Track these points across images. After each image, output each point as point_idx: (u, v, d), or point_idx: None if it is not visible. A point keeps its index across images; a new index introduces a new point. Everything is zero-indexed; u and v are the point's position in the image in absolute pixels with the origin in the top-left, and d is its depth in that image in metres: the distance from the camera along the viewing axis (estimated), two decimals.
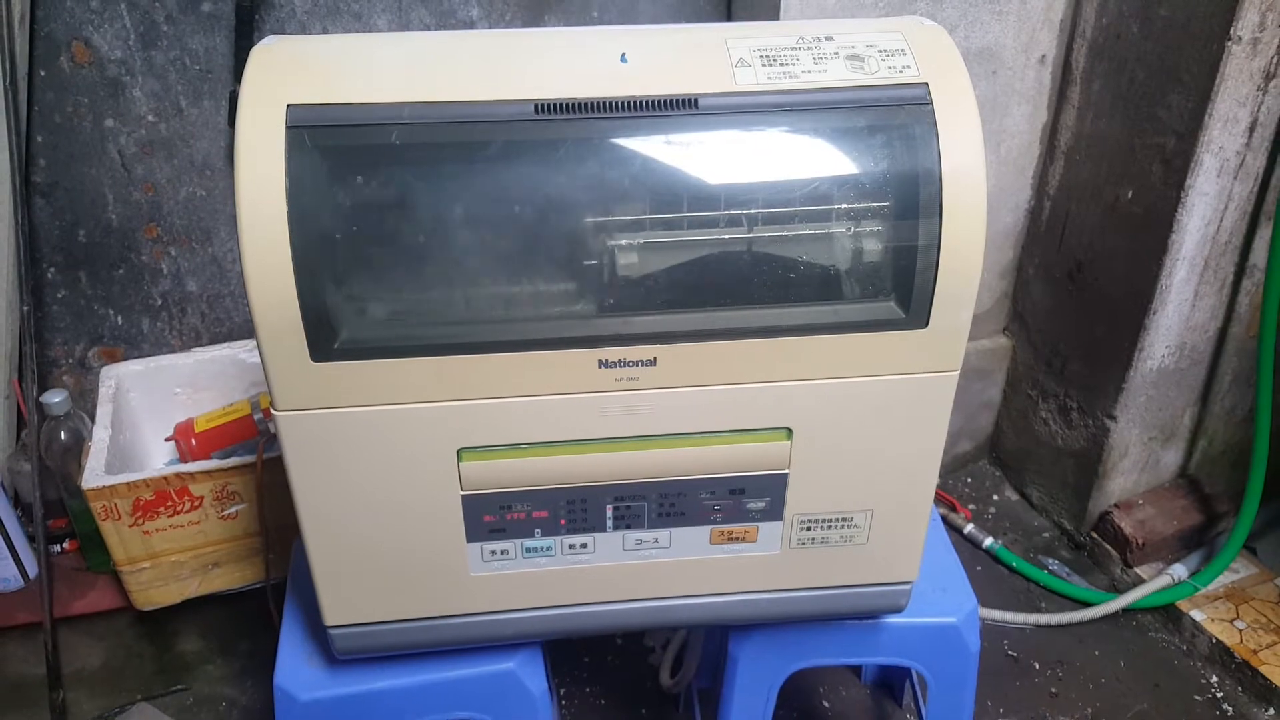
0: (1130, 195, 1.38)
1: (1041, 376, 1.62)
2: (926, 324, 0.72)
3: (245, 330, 1.36)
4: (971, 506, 1.70)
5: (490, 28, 1.26)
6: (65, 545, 1.31)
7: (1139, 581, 1.49)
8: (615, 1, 1.30)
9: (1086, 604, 1.48)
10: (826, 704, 1.33)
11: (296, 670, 0.89)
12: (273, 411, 0.71)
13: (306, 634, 0.92)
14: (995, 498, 1.73)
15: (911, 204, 0.70)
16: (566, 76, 0.69)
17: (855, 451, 0.79)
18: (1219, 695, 1.36)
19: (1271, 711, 1.32)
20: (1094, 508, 1.57)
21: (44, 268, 1.24)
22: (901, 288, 0.72)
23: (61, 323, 1.28)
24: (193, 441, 1.24)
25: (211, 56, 1.18)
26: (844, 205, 0.71)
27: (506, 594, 0.84)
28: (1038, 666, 1.39)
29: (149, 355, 1.32)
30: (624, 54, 0.71)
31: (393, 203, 0.69)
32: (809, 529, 0.83)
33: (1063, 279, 1.54)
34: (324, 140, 0.66)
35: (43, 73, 1.13)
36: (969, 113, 0.70)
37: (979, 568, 1.57)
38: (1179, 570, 1.48)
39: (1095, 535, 1.57)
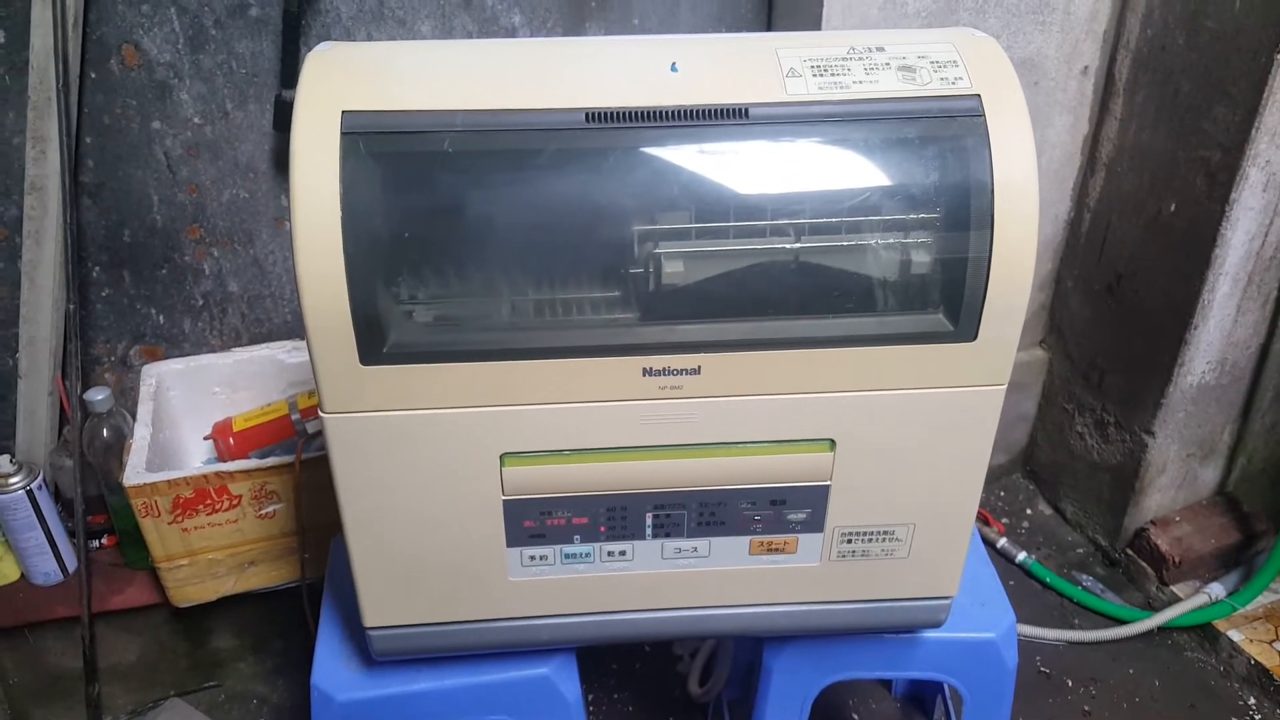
0: (1173, 208, 1.36)
1: (1078, 390, 1.61)
2: (975, 337, 0.72)
3: (284, 331, 1.37)
4: (1005, 520, 1.68)
5: (532, 35, 1.27)
6: (104, 541, 1.33)
7: (1175, 600, 1.47)
8: (655, 10, 1.30)
9: (1121, 621, 1.46)
10: (856, 716, 1.32)
11: (334, 671, 0.89)
12: (320, 413, 0.72)
13: (343, 635, 0.93)
14: (1029, 512, 1.71)
15: (963, 216, 0.69)
16: (617, 85, 0.70)
17: (899, 464, 0.78)
18: (1257, 718, 1.33)
19: None
20: (1129, 524, 1.55)
21: (89, 266, 1.26)
22: (950, 300, 0.71)
23: (105, 321, 1.30)
24: (231, 441, 1.25)
25: (258, 61, 1.19)
26: (893, 216, 0.71)
27: (544, 599, 0.84)
28: (1070, 684, 1.38)
29: (189, 355, 1.33)
30: (674, 63, 0.71)
31: (444, 209, 0.70)
32: (850, 541, 0.82)
33: (1102, 292, 1.52)
34: (378, 147, 0.67)
35: (93, 75, 1.15)
36: (1022, 124, 0.69)
37: (1012, 583, 1.55)
38: (1216, 589, 1.45)
39: (1130, 552, 1.55)
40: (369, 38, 1.21)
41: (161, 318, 1.32)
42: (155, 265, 1.28)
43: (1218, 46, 1.25)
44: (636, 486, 0.79)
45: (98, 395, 1.21)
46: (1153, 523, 1.53)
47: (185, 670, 1.36)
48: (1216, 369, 1.43)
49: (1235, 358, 1.43)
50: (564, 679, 0.91)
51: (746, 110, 0.69)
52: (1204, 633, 1.44)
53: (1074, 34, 1.37)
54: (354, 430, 0.73)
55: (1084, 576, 1.57)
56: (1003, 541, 1.58)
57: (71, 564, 1.29)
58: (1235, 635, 1.40)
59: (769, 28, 1.35)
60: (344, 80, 0.68)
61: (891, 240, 0.72)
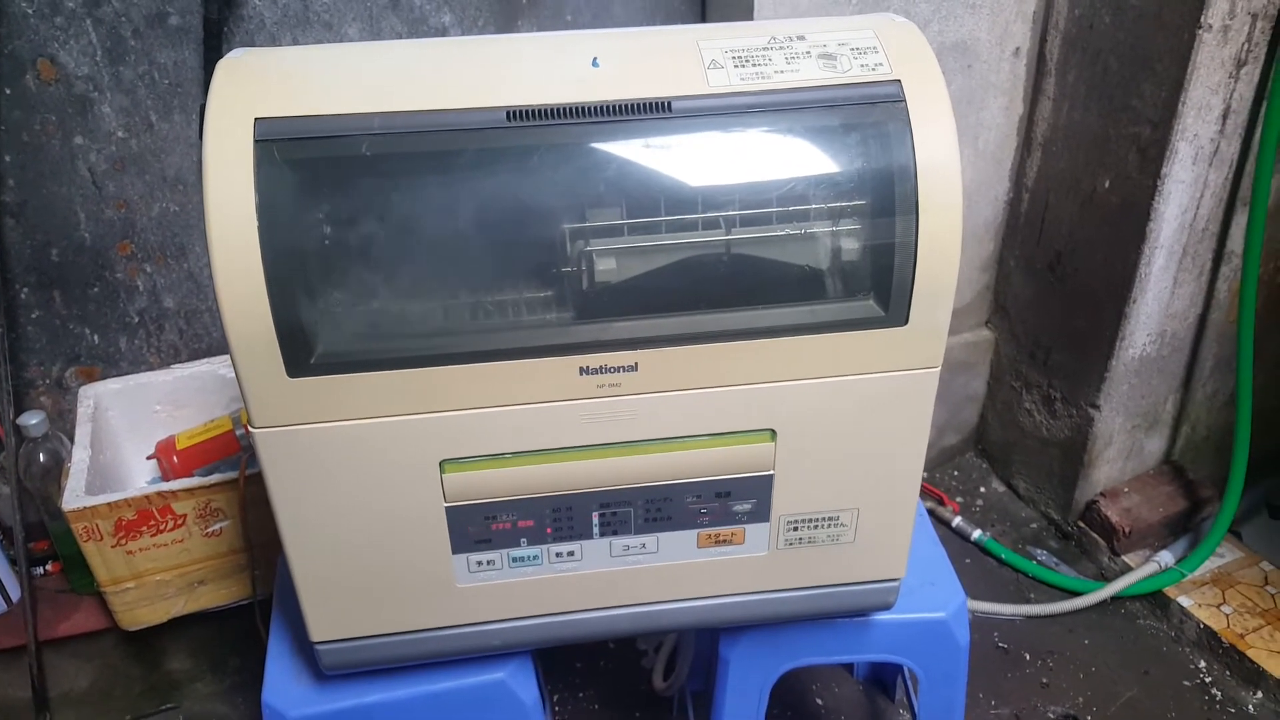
0: (1107, 185, 1.38)
1: (1025, 368, 1.63)
2: (906, 321, 0.72)
3: (224, 346, 1.32)
4: (959, 499, 1.70)
5: (462, 34, 1.25)
6: (48, 567, 1.30)
7: (1126, 569, 1.50)
8: (589, 5, 1.30)
9: (1075, 593, 1.48)
10: (820, 701, 1.33)
11: (285, 687, 0.88)
12: (250, 429, 0.70)
13: (294, 650, 0.91)
14: (982, 490, 1.73)
15: (888, 201, 0.70)
16: (538, 82, 0.69)
17: (839, 451, 0.79)
18: (1207, 680, 1.36)
19: (1259, 695, 1.33)
20: (1080, 497, 1.58)
21: (17, 288, 1.22)
22: (880, 286, 0.72)
23: (37, 343, 1.26)
24: (174, 459, 1.22)
25: (180, 70, 1.16)
26: (821, 205, 0.71)
27: (494, 604, 0.83)
28: (1028, 657, 1.40)
29: (127, 373, 1.30)
30: (595, 58, 0.70)
31: (365, 214, 0.69)
32: (796, 529, 0.83)
33: (1043, 270, 1.54)
34: (293, 153, 0.65)
35: (8, 91, 1.12)
36: (942, 108, 0.70)
37: (968, 560, 1.57)
38: (1166, 557, 1.49)
39: (1082, 524, 1.58)
40: (294, 42, 1.19)
41: (96, 337, 1.29)
42: (86, 284, 1.25)
43: (1142, 24, 1.27)
44: (581, 486, 0.78)
45: (32, 419, 1.18)
46: (1102, 494, 1.57)
47: (140, 694, 1.33)
48: (1157, 341, 1.46)
49: (1174, 329, 1.47)
50: (520, 682, 0.90)
51: (669, 104, 0.68)
52: (1155, 600, 1.47)
53: (1004, 16, 1.39)
54: (286, 444, 0.71)
55: (1038, 551, 1.59)
56: (957, 520, 1.61)
57: (15, 593, 1.26)
58: (1185, 600, 1.44)
59: (703, 19, 1.35)
60: (257, 86, 0.67)
61: (820, 229, 0.72)
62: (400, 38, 1.23)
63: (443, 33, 1.24)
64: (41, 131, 1.15)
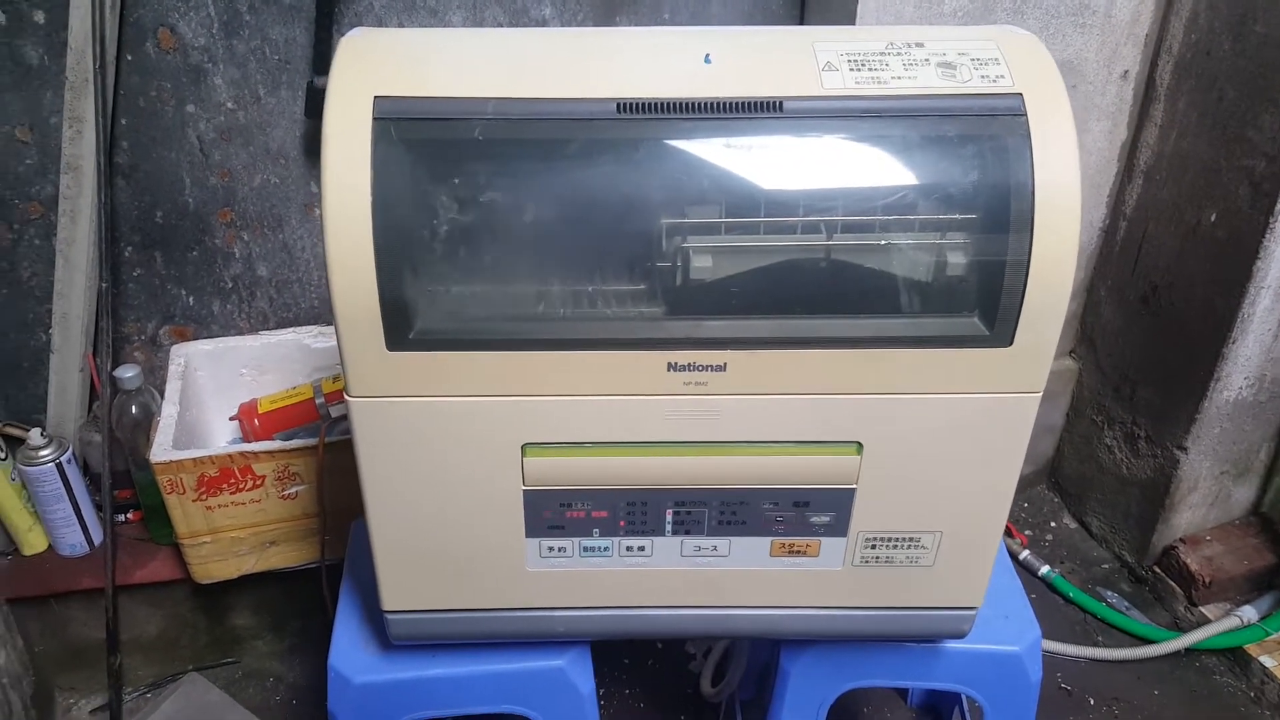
0: (1214, 218, 1.33)
1: (1108, 402, 1.58)
2: (1011, 342, 0.70)
3: (311, 316, 1.38)
4: (1028, 532, 1.65)
5: (563, 26, 1.26)
6: (130, 516, 1.35)
7: (1204, 621, 1.44)
8: (687, 4, 1.29)
9: (1147, 640, 1.43)
10: None
11: (351, 653, 0.90)
12: (346, 397, 0.72)
13: (361, 618, 0.93)
14: (1053, 524, 1.68)
15: (1001, 217, 0.68)
16: (649, 76, 0.69)
17: (927, 471, 0.77)
18: None
19: None
20: (1158, 541, 1.52)
21: (122, 246, 1.27)
22: (986, 304, 0.70)
23: (136, 300, 1.32)
24: (256, 422, 1.26)
25: (291, 47, 1.20)
26: (929, 216, 0.70)
27: (561, 591, 0.83)
28: (1093, 702, 1.35)
29: (218, 336, 1.35)
30: (708, 54, 0.70)
31: (473, 197, 0.70)
32: (874, 547, 0.81)
33: (1136, 302, 1.49)
34: (409, 133, 0.66)
35: (129, 57, 1.16)
36: (1065, 125, 0.67)
37: (1033, 595, 1.52)
38: (1249, 612, 1.42)
39: (1158, 570, 1.52)
40: (400, 26, 1.21)
41: (191, 299, 1.33)
42: (186, 247, 1.29)
43: (1267, 52, 1.22)
44: (658, 482, 0.78)
45: (127, 373, 1.22)
46: (1182, 540, 1.50)
47: (204, 646, 1.38)
48: (1255, 385, 1.40)
49: (1275, 374, 1.40)
50: (578, 672, 0.90)
51: (780, 104, 0.68)
52: (1234, 657, 1.40)
53: (1114, 37, 1.35)
54: (379, 415, 0.73)
55: (1109, 593, 1.54)
56: (1025, 554, 1.56)
57: (98, 537, 1.31)
58: (1267, 660, 1.37)
59: (801, 23, 1.33)
60: (377, 65, 0.68)
61: (926, 241, 0.71)
62: (501, 27, 1.24)
63: (543, 23, 1.25)
64: (157, 98, 1.19)
